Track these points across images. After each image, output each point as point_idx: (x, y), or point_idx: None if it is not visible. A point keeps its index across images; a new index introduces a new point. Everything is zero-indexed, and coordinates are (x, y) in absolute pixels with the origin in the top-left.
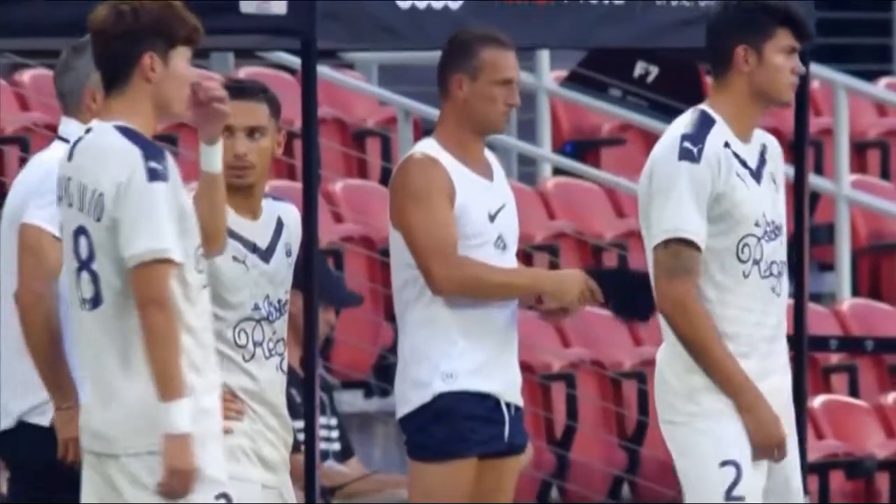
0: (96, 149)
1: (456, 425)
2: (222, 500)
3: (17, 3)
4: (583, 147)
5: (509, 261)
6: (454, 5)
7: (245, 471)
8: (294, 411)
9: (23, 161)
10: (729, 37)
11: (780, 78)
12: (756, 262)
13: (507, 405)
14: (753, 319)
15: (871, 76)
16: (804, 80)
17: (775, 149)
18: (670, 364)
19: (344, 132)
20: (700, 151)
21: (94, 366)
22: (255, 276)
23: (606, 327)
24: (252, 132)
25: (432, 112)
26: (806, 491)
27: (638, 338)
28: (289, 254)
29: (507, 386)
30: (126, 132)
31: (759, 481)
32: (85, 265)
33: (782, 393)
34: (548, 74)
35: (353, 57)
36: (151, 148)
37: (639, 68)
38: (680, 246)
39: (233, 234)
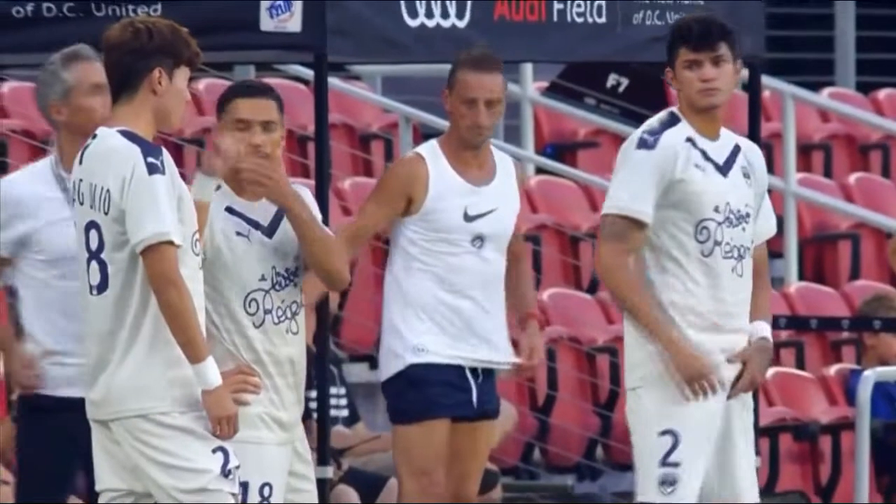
0: (102, 151)
1: (427, 391)
2: (219, 453)
3: (63, 21)
4: (562, 149)
5: (485, 257)
6: (461, 23)
7: (261, 435)
8: (308, 382)
9: None
10: (668, 63)
11: (690, 89)
12: (717, 244)
13: (475, 375)
14: (710, 294)
15: (815, 87)
16: (756, 90)
17: (754, 154)
18: (626, 336)
19: (352, 136)
20: (656, 141)
21: (98, 344)
22: (258, 249)
23: (583, 307)
24: (266, 125)
25: (430, 118)
26: (757, 452)
27: (611, 317)
28: None
29: (472, 365)
30: (127, 135)
31: (699, 448)
32: (95, 255)
33: (737, 366)
34: (531, 85)
35: (359, 69)
36: (149, 146)
37: (611, 80)
38: (617, 218)
39: (234, 213)
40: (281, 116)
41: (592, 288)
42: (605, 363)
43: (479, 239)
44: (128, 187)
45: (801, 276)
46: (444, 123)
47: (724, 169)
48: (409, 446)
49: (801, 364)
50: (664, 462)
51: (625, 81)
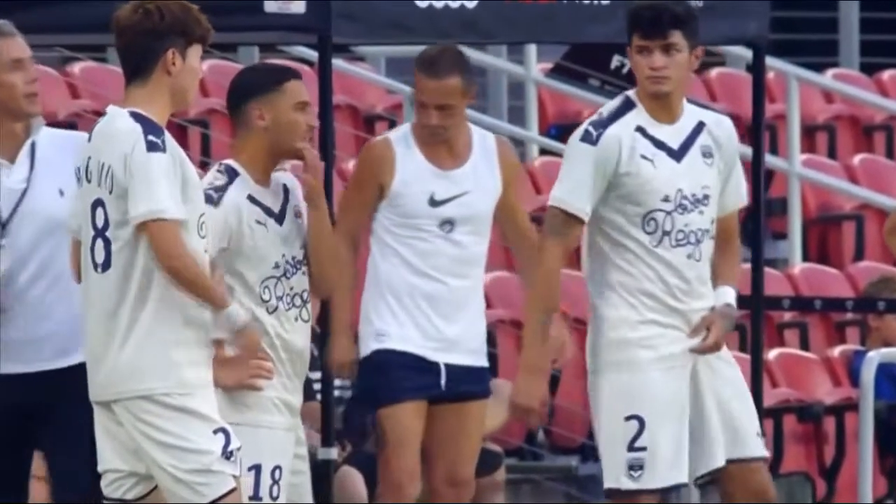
0: (109, 130)
1: (390, 375)
2: (220, 434)
3: (71, 2)
4: (566, 130)
5: (457, 240)
6: (470, 5)
7: (273, 419)
8: (312, 363)
9: None
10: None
11: (640, 74)
12: (666, 234)
13: (445, 363)
14: (664, 280)
15: (819, 68)
16: (760, 71)
17: (722, 128)
18: (590, 319)
19: (356, 117)
20: (599, 136)
21: (99, 324)
22: (272, 236)
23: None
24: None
25: None
26: (763, 433)
27: None
28: (298, 215)
29: (440, 348)
30: (135, 116)
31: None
32: (100, 233)
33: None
34: (535, 66)
35: (363, 50)
36: (152, 126)
37: (615, 61)
38: (558, 212)
39: (254, 201)
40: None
41: None
42: None
43: (448, 223)
44: (128, 165)
45: (806, 258)
46: None
47: (678, 154)
48: (384, 430)
49: (805, 345)
50: (631, 447)
51: (629, 63)
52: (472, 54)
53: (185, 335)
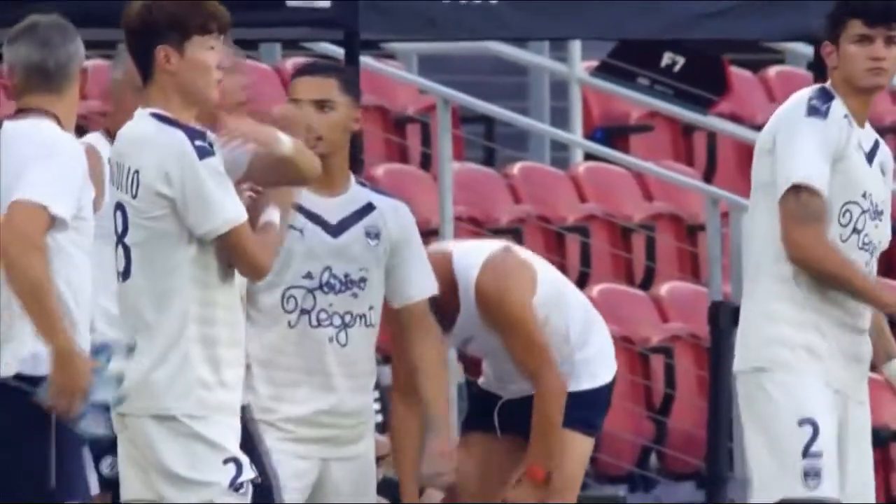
0: (134, 133)
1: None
2: (230, 464)
3: None
4: (612, 133)
5: None
6: None
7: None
8: None
9: None
10: (825, 36)
11: (854, 66)
12: (856, 231)
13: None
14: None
15: None
16: (822, 69)
17: (887, 152)
18: (745, 313)
19: (386, 119)
20: (828, 110)
21: (130, 332)
22: (312, 245)
23: (635, 305)
24: (320, 105)
25: (470, 100)
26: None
27: (665, 314)
28: (372, 236)
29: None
30: (160, 118)
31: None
32: (119, 239)
33: (864, 360)
34: (579, 64)
35: (393, 47)
36: (191, 130)
37: (665, 59)
38: (807, 195)
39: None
40: (346, 97)
41: (645, 283)
42: (660, 364)
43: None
44: (183, 176)
45: None
46: (485, 106)
47: (869, 157)
48: None
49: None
50: (806, 453)
51: (680, 60)
52: (511, 51)
53: (218, 353)
